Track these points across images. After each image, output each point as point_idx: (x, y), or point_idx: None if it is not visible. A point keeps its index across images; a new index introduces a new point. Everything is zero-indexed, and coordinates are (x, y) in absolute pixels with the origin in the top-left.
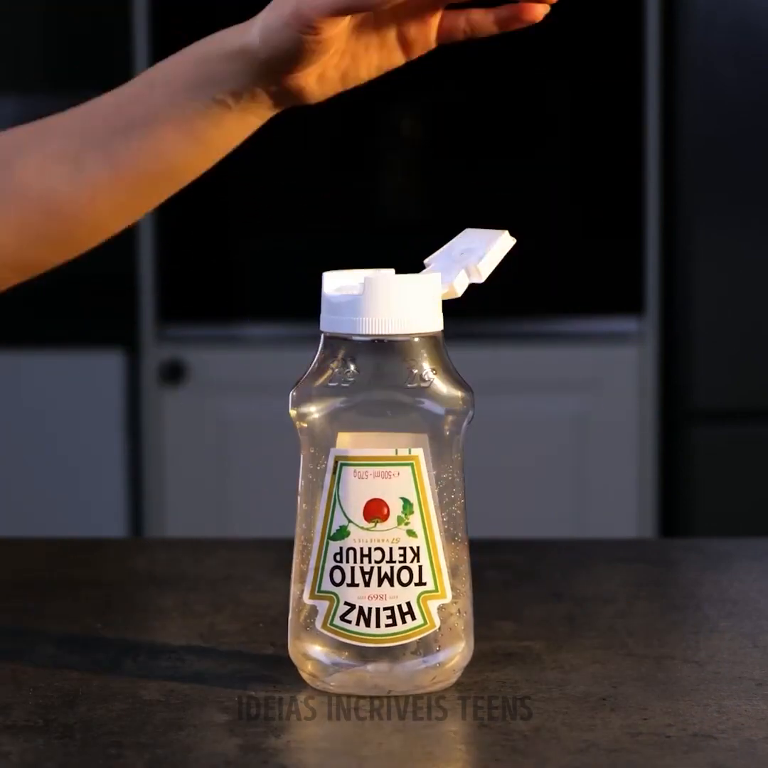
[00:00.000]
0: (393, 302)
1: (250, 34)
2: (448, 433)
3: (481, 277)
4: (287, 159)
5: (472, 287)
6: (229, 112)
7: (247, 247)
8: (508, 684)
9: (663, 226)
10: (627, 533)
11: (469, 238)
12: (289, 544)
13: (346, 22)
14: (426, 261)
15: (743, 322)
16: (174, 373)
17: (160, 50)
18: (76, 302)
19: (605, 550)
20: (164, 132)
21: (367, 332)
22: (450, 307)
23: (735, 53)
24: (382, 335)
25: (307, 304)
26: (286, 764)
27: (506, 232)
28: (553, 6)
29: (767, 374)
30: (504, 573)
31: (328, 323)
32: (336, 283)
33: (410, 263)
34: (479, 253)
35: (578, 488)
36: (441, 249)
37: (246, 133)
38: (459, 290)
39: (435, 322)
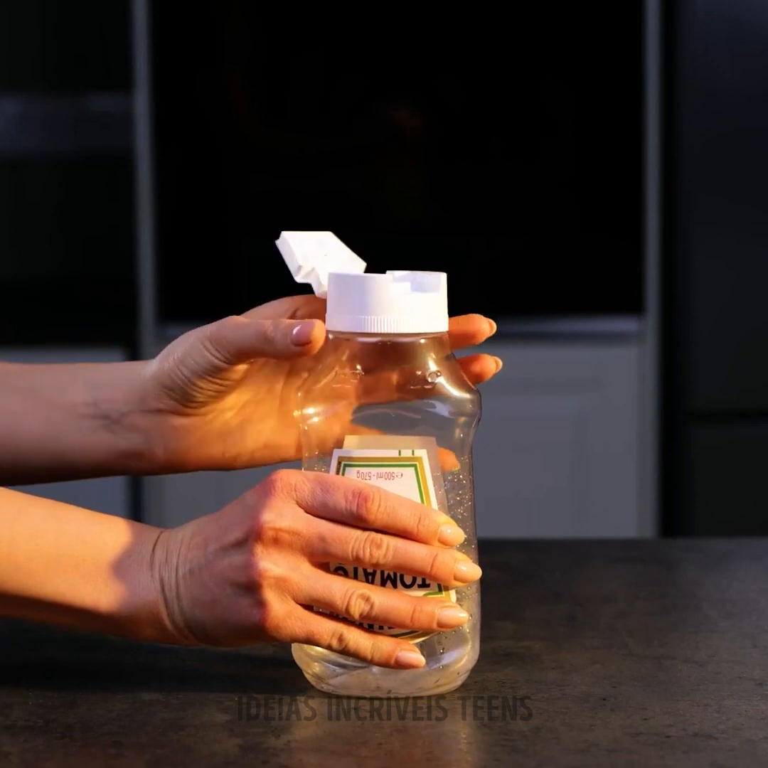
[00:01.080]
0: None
1: (150, 362)
2: (455, 435)
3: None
4: (287, 159)
5: (473, 288)
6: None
7: (247, 247)
8: (508, 684)
9: (663, 226)
10: (627, 533)
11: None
12: None
13: (247, 369)
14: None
15: (743, 322)
16: None
17: (161, 50)
18: (76, 302)
19: (605, 550)
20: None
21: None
22: (450, 308)
23: (735, 53)
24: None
25: None
26: (286, 764)
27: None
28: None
29: (767, 374)
30: (504, 573)
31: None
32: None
33: (410, 263)
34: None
35: (578, 488)
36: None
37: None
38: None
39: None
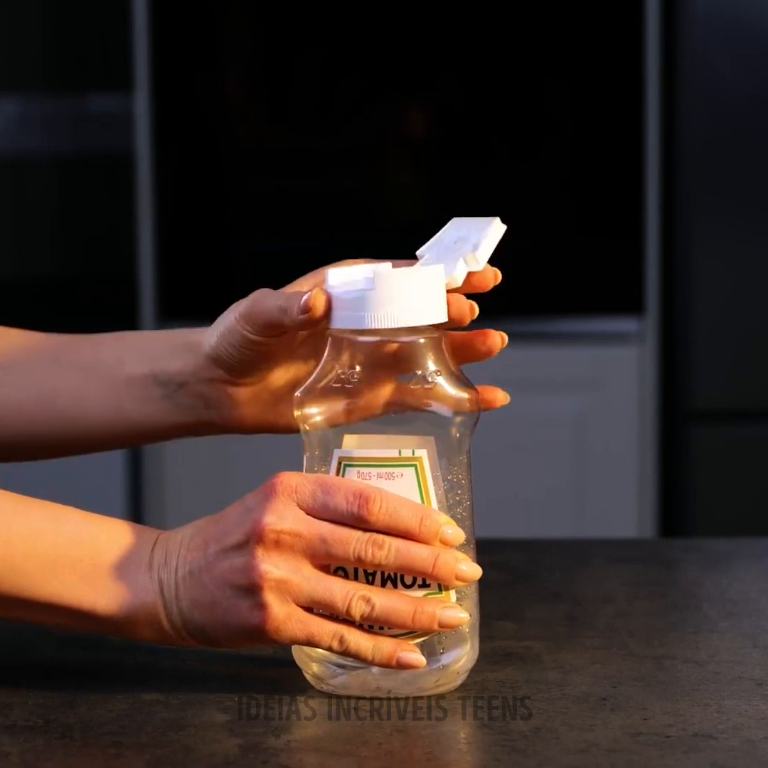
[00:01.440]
0: (401, 298)
1: (204, 331)
2: (454, 434)
3: (479, 265)
4: (287, 158)
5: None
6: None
7: (247, 247)
8: (508, 684)
9: (663, 226)
10: (627, 533)
11: (460, 226)
12: None
13: (292, 339)
14: (418, 252)
15: (743, 322)
16: None
17: (161, 50)
18: (76, 302)
19: (605, 550)
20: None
21: (372, 326)
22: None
23: (735, 52)
24: (388, 330)
25: None
26: (286, 764)
27: (497, 219)
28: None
29: (767, 374)
30: (504, 573)
31: (335, 320)
32: (342, 278)
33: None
34: (474, 240)
35: (578, 488)
36: (432, 239)
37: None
38: (459, 280)
39: (437, 315)
